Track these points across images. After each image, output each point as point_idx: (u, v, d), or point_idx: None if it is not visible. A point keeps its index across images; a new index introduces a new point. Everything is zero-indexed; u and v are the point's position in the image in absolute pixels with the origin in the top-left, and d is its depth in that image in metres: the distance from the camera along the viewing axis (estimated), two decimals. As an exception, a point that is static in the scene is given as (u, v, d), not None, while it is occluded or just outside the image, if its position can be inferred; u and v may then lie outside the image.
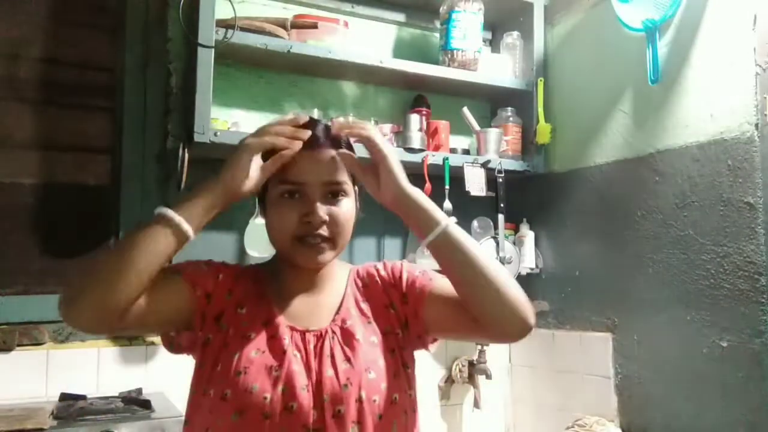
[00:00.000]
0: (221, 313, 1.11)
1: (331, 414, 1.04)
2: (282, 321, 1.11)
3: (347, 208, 1.13)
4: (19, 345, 1.88)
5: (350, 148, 1.17)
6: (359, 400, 1.05)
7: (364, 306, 1.17)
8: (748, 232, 1.73)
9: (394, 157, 1.14)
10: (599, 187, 2.20)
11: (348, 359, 1.08)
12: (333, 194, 1.12)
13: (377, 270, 1.21)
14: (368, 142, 1.11)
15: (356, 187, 1.18)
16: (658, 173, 1.99)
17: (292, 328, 1.10)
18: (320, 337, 1.10)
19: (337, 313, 1.15)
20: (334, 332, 1.11)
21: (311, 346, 1.09)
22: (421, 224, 1.12)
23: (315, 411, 1.04)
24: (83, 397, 1.81)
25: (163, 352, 2.02)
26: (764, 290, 1.69)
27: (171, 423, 1.61)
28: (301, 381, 1.05)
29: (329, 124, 1.16)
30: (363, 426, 1.05)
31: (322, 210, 1.09)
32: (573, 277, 2.29)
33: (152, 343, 2.04)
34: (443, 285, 1.15)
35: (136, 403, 1.74)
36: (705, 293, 1.83)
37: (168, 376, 2.02)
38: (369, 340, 1.12)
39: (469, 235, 1.13)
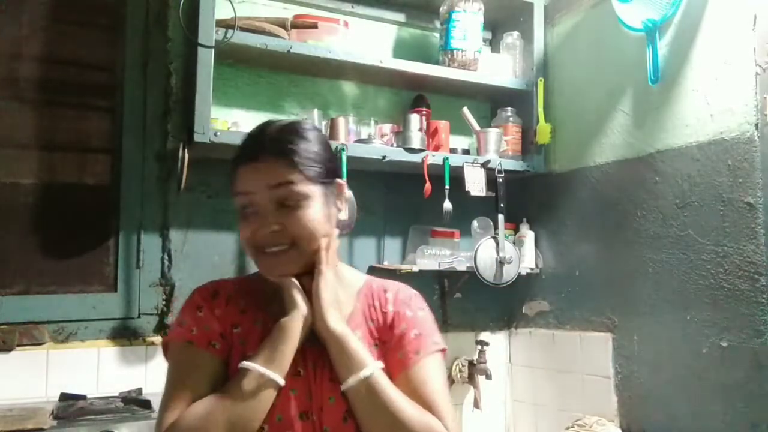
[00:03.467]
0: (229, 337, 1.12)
1: None
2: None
3: (306, 211, 1.07)
4: (19, 345, 1.88)
5: (297, 152, 1.09)
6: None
7: (372, 326, 1.14)
8: (748, 232, 1.73)
9: (328, 285, 1.09)
10: (599, 187, 2.20)
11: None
12: (286, 198, 1.06)
13: (387, 300, 1.17)
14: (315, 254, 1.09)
15: (334, 182, 1.14)
16: (658, 173, 1.99)
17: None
18: (320, 354, 1.08)
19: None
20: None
21: (311, 366, 1.08)
22: (339, 366, 1.05)
23: None
24: (83, 397, 1.81)
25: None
26: (764, 290, 1.69)
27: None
28: (300, 408, 1.05)
29: (283, 125, 1.12)
30: None
31: (273, 219, 1.06)
32: (573, 277, 2.29)
33: (152, 344, 2.04)
34: (418, 377, 1.10)
35: (136, 403, 1.74)
36: (705, 293, 1.83)
37: (168, 376, 2.02)
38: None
39: (391, 388, 1.06)
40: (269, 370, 1.02)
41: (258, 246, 1.08)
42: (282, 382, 1.03)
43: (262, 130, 1.12)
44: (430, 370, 1.11)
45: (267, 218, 1.06)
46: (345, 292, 1.16)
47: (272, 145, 1.09)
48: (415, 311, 1.16)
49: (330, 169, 1.13)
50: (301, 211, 1.07)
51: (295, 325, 1.06)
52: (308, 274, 1.10)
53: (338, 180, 1.16)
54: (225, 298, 1.14)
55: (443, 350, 1.16)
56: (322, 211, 1.09)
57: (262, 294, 1.15)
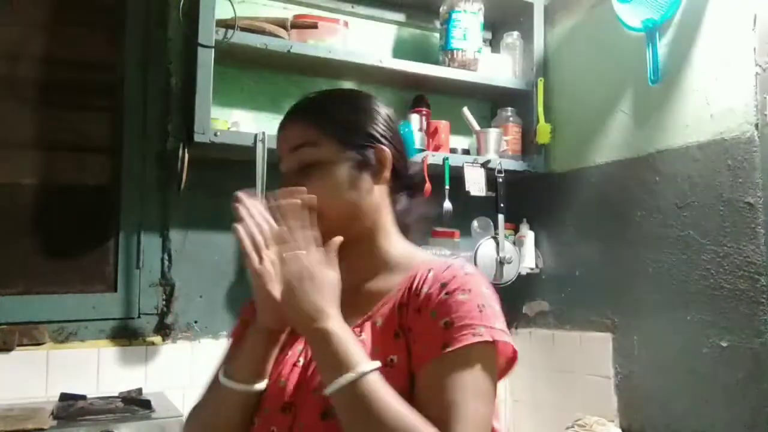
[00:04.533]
0: None
1: None
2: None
3: (324, 174, 0.98)
4: (19, 345, 1.88)
5: (321, 113, 1.03)
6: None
7: (401, 312, 0.94)
8: (748, 232, 1.73)
9: (304, 273, 0.89)
10: (599, 187, 2.20)
11: None
12: (305, 162, 0.99)
13: (425, 280, 0.94)
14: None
15: (371, 147, 1.01)
16: (658, 173, 1.98)
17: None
18: None
19: (370, 313, 0.97)
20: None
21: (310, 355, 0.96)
22: (320, 370, 0.89)
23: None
24: (83, 397, 1.81)
25: (163, 352, 2.04)
26: (764, 290, 1.69)
27: (171, 423, 1.61)
28: (285, 399, 0.95)
29: (308, 96, 1.07)
30: None
31: (291, 183, 0.97)
32: (573, 277, 2.29)
33: (152, 344, 2.04)
34: (438, 380, 0.86)
35: (136, 403, 1.74)
36: (705, 293, 1.83)
37: (168, 376, 2.02)
38: (385, 357, 0.90)
39: (384, 395, 0.84)
40: (223, 375, 0.99)
41: None
42: (233, 386, 0.97)
43: (305, 96, 1.08)
44: (457, 371, 0.86)
45: (285, 184, 0.98)
46: (385, 275, 1.00)
47: (298, 108, 1.05)
48: (454, 294, 0.90)
49: (365, 133, 1.01)
50: (317, 174, 0.98)
51: (251, 333, 0.98)
52: (343, 247, 0.97)
53: (378, 145, 1.01)
54: None
55: (491, 342, 0.88)
56: (347, 177, 0.98)
57: None
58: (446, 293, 0.90)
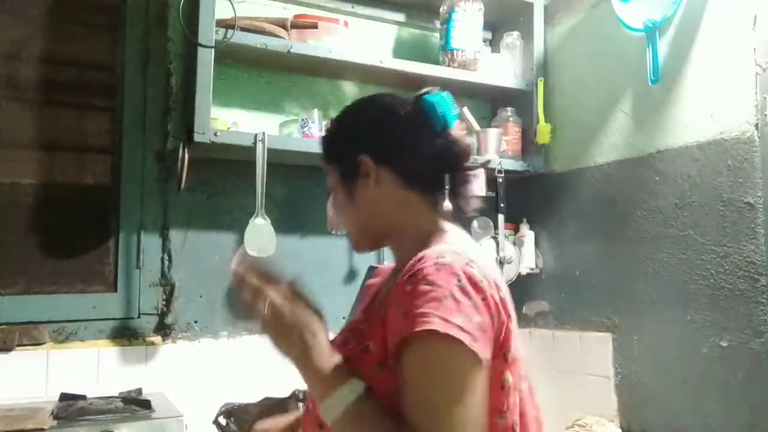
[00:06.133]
0: None
1: (308, 408, 1.06)
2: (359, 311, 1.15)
3: (335, 195, 1.12)
4: (19, 345, 1.88)
5: (324, 141, 1.15)
6: None
7: (385, 301, 0.98)
8: (748, 232, 1.73)
9: (277, 314, 0.94)
10: (599, 187, 2.20)
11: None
12: (330, 190, 1.14)
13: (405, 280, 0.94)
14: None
15: (354, 160, 1.06)
16: (658, 173, 1.98)
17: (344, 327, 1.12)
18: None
19: (367, 307, 1.11)
20: (350, 331, 1.06)
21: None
22: (312, 392, 0.96)
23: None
24: (83, 397, 1.81)
25: (163, 352, 2.04)
26: (764, 290, 1.69)
27: (171, 423, 1.61)
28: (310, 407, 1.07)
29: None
30: (325, 430, 0.98)
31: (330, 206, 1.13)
32: (573, 277, 2.28)
33: (152, 344, 2.04)
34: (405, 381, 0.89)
35: (136, 403, 1.74)
36: (705, 293, 1.83)
37: (168, 376, 2.02)
38: (365, 344, 0.97)
39: (375, 416, 0.90)
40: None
41: None
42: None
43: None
44: (416, 363, 0.87)
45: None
46: (395, 275, 1.03)
47: (322, 139, 1.17)
48: (418, 284, 0.89)
49: (343, 147, 1.08)
50: (335, 195, 1.12)
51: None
52: (382, 245, 1.13)
53: (361, 156, 1.05)
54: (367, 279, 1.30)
55: (443, 334, 0.84)
56: (344, 193, 1.09)
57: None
58: (411, 283, 0.90)
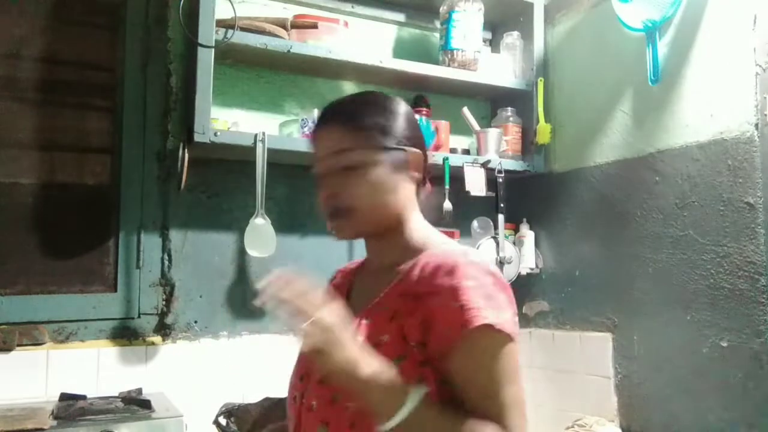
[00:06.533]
0: None
1: (307, 408, 1.05)
2: None
3: (362, 177, 1.07)
4: (19, 345, 1.88)
5: (360, 119, 1.10)
6: (333, 401, 1.00)
7: (397, 299, 1.03)
8: (748, 232, 1.73)
9: (318, 327, 0.94)
10: (599, 187, 2.20)
11: None
12: (341, 165, 1.07)
13: (420, 268, 1.03)
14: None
15: (404, 151, 1.10)
16: (658, 173, 1.99)
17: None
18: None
19: (377, 299, 1.07)
20: (359, 321, 1.05)
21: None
22: (374, 411, 0.94)
23: (303, 401, 1.06)
24: (83, 397, 1.81)
25: (163, 352, 2.04)
26: (764, 290, 1.69)
27: (171, 423, 1.61)
28: (300, 370, 1.11)
29: (347, 99, 1.15)
30: (331, 428, 0.99)
31: (330, 184, 1.08)
32: (573, 277, 2.29)
33: (152, 344, 2.04)
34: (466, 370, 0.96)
35: (136, 403, 1.74)
36: (705, 293, 1.83)
37: (168, 376, 2.02)
38: (378, 338, 1.01)
39: (433, 414, 0.93)
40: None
41: (324, 212, 1.11)
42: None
43: (329, 105, 1.15)
44: (482, 355, 0.95)
45: (324, 184, 1.09)
46: (402, 262, 1.08)
47: (333, 113, 1.12)
48: (461, 279, 0.97)
49: (397, 137, 1.10)
50: (356, 176, 1.07)
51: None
52: (374, 237, 1.13)
53: (412, 149, 1.10)
54: (331, 279, 1.30)
55: (502, 331, 0.95)
56: (383, 179, 1.07)
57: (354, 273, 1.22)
58: (454, 279, 0.97)
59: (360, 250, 1.26)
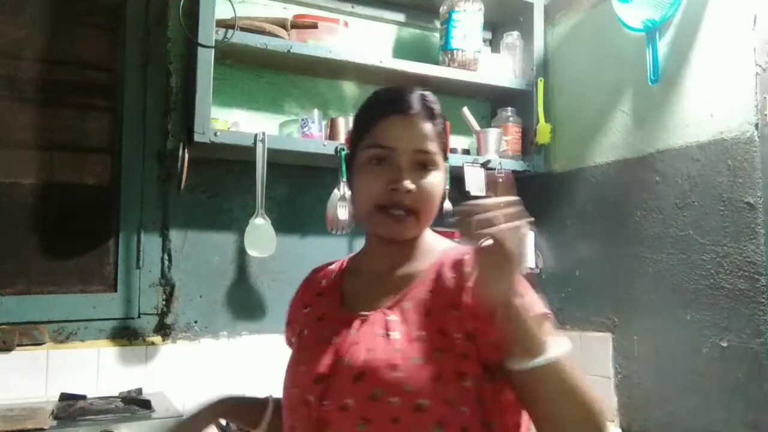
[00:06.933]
0: (300, 323, 1.19)
1: (337, 408, 0.98)
2: (336, 309, 1.12)
3: (436, 181, 1.07)
4: (19, 345, 1.88)
5: (441, 121, 1.11)
6: (372, 398, 0.96)
7: (428, 297, 1.04)
8: (748, 232, 1.73)
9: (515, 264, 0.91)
10: (599, 187, 2.20)
11: (372, 350, 0.99)
12: (422, 165, 1.06)
13: (465, 284, 1.01)
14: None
15: (447, 162, 1.13)
16: (658, 173, 1.99)
17: (342, 315, 1.09)
18: (364, 322, 1.05)
19: (400, 296, 1.06)
20: (384, 316, 1.03)
21: (353, 332, 1.04)
22: (519, 342, 0.92)
23: (325, 402, 0.99)
24: (83, 397, 1.81)
25: (163, 352, 2.04)
26: (764, 290, 1.69)
27: (171, 423, 1.61)
28: (316, 371, 1.03)
29: (423, 92, 1.12)
30: (373, 425, 0.95)
31: (410, 179, 1.04)
32: (573, 277, 2.29)
33: (152, 344, 2.04)
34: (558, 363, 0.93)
35: (136, 403, 1.74)
36: (705, 293, 1.83)
37: (168, 376, 2.02)
38: (413, 334, 1.00)
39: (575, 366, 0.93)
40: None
41: (383, 203, 1.05)
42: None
43: (405, 90, 1.11)
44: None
45: (403, 176, 1.04)
46: (418, 264, 1.10)
47: (424, 107, 1.09)
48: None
49: (447, 147, 1.14)
50: (433, 179, 1.07)
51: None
52: (392, 245, 1.10)
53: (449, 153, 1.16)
54: (309, 279, 1.25)
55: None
56: (443, 185, 1.10)
57: (357, 265, 1.19)
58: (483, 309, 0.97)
59: (357, 249, 1.26)
